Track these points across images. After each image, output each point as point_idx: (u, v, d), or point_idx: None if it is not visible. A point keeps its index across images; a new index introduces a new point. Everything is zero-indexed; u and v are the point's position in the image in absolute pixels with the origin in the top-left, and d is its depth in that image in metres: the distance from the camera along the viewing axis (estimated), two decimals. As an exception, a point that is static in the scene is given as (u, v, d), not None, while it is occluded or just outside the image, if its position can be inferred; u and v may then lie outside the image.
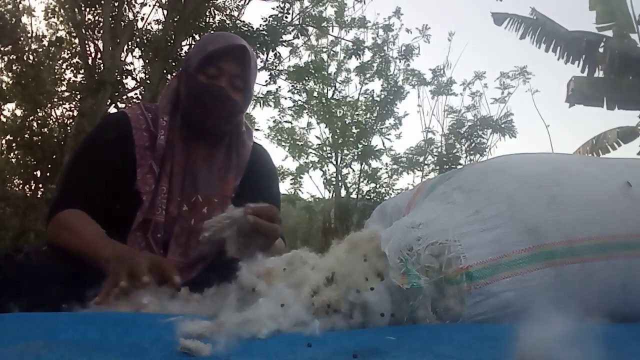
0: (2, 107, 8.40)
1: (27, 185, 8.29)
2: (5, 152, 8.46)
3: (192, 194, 1.30)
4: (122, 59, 7.65)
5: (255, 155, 1.44)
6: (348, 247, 0.95)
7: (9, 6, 8.22)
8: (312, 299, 0.84)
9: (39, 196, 7.69)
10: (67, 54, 8.81)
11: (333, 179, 10.64)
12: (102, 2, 7.40)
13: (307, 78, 9.00)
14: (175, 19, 7.21)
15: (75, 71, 8.66)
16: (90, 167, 1.30)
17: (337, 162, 10.57)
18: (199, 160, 1.33)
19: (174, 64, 6.82)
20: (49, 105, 8.26)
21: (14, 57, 7.96)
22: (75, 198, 1.25)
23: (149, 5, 8.12)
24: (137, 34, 7.82)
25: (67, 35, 8.83)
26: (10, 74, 8.13)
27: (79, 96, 7.82)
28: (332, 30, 10.28)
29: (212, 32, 7.17)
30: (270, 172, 1.51)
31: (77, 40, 8.27)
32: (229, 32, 1.52)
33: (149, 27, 8.19)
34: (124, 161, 1.28)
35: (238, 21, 7.68)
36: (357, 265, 0.88)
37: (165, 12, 7.58)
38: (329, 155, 10.80)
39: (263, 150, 1.51)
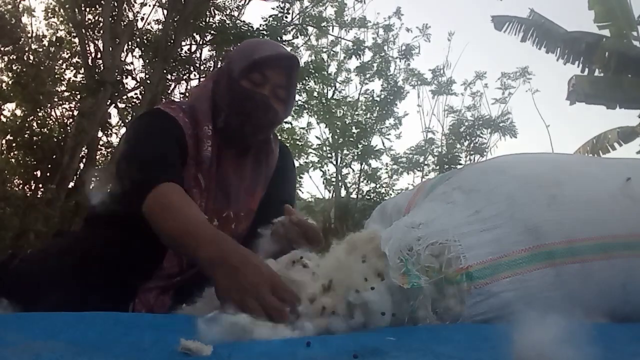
0: (2, 107, 8.39)
1: (27, 185, 8.29)
2: (5, 152, 8.46)
3: (224, 210, 1.26)
4: (122, 59, 7.65)
5: (280, 162, 1.39)
6: (347, 248, 0.94)
7: (9, 6, 8.21)
8: (309, 305, 0.83)
9: (39, 196, 7.68)
10: (67, 54, 8.80)
11: (333, 179, 10.64)
12: (102, 2, 7.40)
13: (307, 78, 9.00)
14: (175, 19, 7.21)
15: (75, 71, 8.66)
16: (166, 143, 1.17)
17: (337, 162, 10.57)
18: (230, 172, 1.27)
19: (174, 64, 6.82)
20: (49, 105, 8.26)
21: (14, 57, 7.96)
22: (166, 167, 1.12)
23: (149, 5, 8.13)
24: (137, 34, 7.82)
25: (67, 35, 8.82)
26: (10, 74, 8.12)
27: (79, 96, 7.82)
28: (332, 30, 10.29)
29: (213, 32, 7.18)
30: (291, 178, 1.47)
31: (77, 40, 8.26)
32: (275, 41, 1.44)
33: (149, 27, 8.20)
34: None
35: (238, 21, 7.69)
36: (356, 268, 0.88)
37: (165, 12, 7.59)
38: (329, 155, 10.80)
39: (287, 153, 1.46)
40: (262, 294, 0.78)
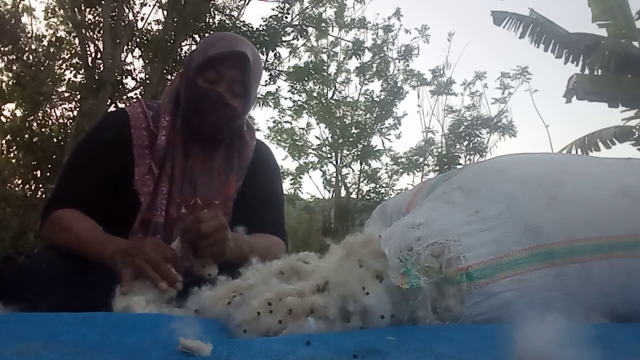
0: (2, 107, 8.40)
1: (27, 185, 8.29)
2: (5, 152, 8.46)
3: (191, 197, 1.29)
4: (122, 59, 7.66)
5: (257, 155, 1.42)
6: (344, 253, 0.93)
7: (9, 6, 8.21)
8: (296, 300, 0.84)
9: (38, 196, 7.69)
10: (67, 54, 8.82)
11: (333, 179, 10.64)
12: (102, 2, 7.41)
13: (306, 78, 9.01)
14: (175, 19, 7.22)
15: (75, 71, 8.66)
16: (85, 167, 1.30)
17: (337, 162, 10.57)
18: (197, 163, 1.32)
19: (174, 64, 6.83)
20: (49, 105, 8.26)
21: (14, 57, 7.96)
22: (69, 199, 1.25)
23: (149, 5, 8.14)
24: (137, 34, 7.83)
25: (67, 35, 8.82)
26: (10, 74, 8.13)
27: (79, 96, 7.82)
28: (332, 31, 10.30)
29: (212, 32, 7.17)
30: (272, 171, 1.49)
31: (77, 40, 8.27)
32: (233, 34, 1.47)
33: (149, 27, 8.21)
34: (121, 161, 1.27)
35: (238, 21, 7.70)
36: (353, 273, 0.87)
37: (165, 12, 7.60)
38: (328, 155, 10.81)
39: (265, 149, 1.49)
40: (145, 252, 1.00)
